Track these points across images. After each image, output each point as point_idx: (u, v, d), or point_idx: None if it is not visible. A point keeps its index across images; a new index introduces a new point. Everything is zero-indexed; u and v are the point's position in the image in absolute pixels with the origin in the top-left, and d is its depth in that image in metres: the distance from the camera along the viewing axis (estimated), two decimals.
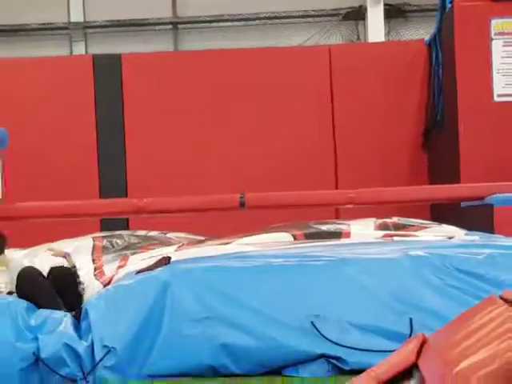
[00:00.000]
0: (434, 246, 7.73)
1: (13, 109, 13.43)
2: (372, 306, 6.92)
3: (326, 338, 6.82)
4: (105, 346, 6.97)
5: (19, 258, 8.62)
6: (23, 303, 7.36)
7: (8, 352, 6.98)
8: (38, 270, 8.29)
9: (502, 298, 4.58)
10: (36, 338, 7.04)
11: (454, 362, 3.87)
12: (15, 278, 8.14)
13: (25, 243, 9.05)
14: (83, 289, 8.30)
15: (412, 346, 4.23)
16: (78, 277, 8.41)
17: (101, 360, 6.95)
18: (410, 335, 6.29)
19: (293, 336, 6.87)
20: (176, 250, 8.63)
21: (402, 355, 4.34)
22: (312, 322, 6.86)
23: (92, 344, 7.01)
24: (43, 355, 6.98)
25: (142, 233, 10.12)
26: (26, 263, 8.37)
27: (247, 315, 6.97)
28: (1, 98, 13.91)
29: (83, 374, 6.99)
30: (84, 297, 8.15)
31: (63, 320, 7.21)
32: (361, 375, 4.51)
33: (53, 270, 8.40)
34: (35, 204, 11.24)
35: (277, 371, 6.91)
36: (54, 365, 6.97)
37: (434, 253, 7.35)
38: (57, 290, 8.17)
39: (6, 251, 8.99)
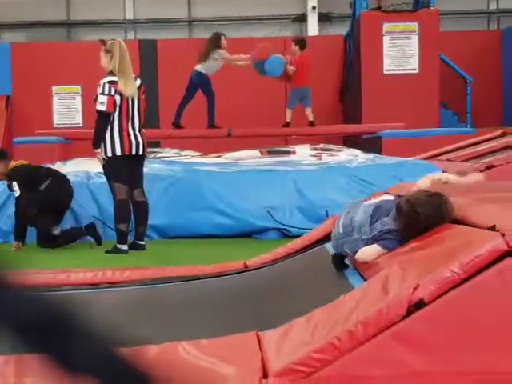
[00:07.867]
0: (344, 162, 7.75)
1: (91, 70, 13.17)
2: (301, 200, 6.98)
3: (275, 220, 6.91)
4: None
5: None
6: None
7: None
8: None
9: (385, 192, 4.57)
10: None
11: None
12: None
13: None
14: None
15: (330, 222, 4.23)
16: None
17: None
18: (327, 217, 6.26)
19: (257, 219, 6.91)
20: (189, 159, 8.63)
21: (323, 227, 4.35)
22: (268, 211, 6.93)
23: None
24: None
25: (168, 149, 10.05)
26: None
27: (228, 206, 6.99)
28: (87, 64, 13.72)
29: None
30: None
31: None
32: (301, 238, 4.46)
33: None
34: None
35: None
36: None
37: (343, 166, 7.43)
38: None
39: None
